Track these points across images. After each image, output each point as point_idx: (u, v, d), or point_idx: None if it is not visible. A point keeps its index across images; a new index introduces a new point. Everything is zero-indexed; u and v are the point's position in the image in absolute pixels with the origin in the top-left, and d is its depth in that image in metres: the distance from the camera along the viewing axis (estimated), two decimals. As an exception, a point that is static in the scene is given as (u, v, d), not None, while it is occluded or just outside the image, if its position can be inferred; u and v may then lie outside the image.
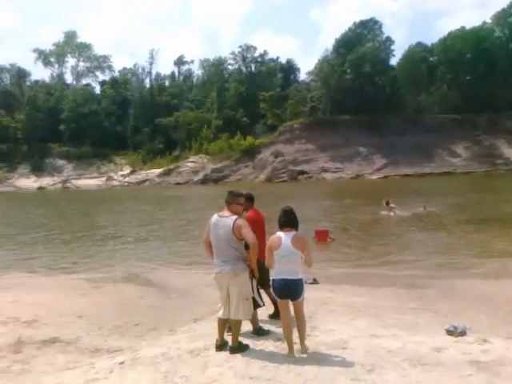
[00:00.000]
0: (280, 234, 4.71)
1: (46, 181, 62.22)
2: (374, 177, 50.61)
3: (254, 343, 5.06)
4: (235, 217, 4.80)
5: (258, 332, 5.36)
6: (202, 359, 4.71)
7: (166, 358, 4.79)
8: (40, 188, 59.76)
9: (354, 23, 63.98)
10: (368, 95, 55.33)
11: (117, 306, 7.97)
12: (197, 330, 5.99)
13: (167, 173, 59.60)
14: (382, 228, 17.69)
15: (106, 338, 6.20)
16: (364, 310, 6.83)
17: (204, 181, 55.74)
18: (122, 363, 4.83)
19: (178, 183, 55.93)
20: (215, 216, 4.96)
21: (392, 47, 63.49)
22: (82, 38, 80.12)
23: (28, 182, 61.85)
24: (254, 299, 5.03)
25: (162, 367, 4.54)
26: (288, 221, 4.76)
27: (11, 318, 7.00)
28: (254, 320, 5.36)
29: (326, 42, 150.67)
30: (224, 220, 4.82)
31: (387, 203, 19.67)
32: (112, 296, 8.63)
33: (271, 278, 4.81)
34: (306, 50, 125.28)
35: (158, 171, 60.33)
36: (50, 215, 27.82)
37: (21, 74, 75.97)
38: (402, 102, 55.94)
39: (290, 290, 4.65)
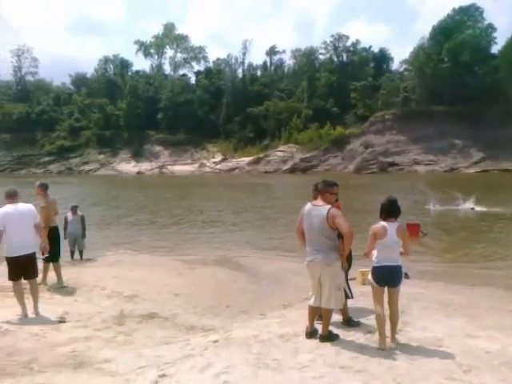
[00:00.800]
0: (384, 223, 4.69)
1: (145, 166, 65.90)
2: (471, 170, 47.79)
3: (344, 334, 5.06)
4: (329, 206, 4.79)
5: (349, 323, 5.35)
6: (292, 344, 4.80)
7: (258, 341, 4.94)
8: (139, 172, 63.46)
9: (454, 9, 60.23)
10: (466, 85, 52.03)
11: (210, 287, 8.33)
12: (286, 316, 6.10)
13: (257, 161, 60.62)
14: (475, 224, 16.78)
15: (201, 316, 6.52)
16: (460, 308, 6.55)
17: (292, 170, 56.01)
18: (215, 341, 5.05)
19: (266, 172, 56.75)
20: (308, 205, 4.97)
21: (494, 34, 58.88)
22: (179, 30, 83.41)
23: (128, 167, 65.92)
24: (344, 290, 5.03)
25: (254, 349, 4.69)
26: (393, 211, 4.74)
27: (114, 292, 7.59)
28: (345, 310, 5.36)
29: (421, 30, 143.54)
30: (318, 209, 4.82)
31: None
32: (205, 278, 9.03)
33: (373, 266, 4.80)
34: (399, 39, 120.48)
35: (247, 159, 61.53)
36: (152, 198, 29.56)
37: (123, 65, 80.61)
38: (503, 93, 51.90)
39: (392, 276, 4.71)
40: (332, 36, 70.56)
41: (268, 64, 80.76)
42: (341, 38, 70.21)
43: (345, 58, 70.77)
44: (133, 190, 35.59)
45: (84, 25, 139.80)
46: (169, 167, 65.11)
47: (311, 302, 4.99)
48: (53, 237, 7.47)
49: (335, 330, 5.04)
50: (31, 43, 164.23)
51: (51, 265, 7.74)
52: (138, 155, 67.85)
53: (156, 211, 22.37)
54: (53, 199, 7.98)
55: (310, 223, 4.87)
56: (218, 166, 63.26)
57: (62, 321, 5.92)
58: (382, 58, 72.13)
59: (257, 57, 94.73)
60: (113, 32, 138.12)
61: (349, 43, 70.36)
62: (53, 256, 7.45)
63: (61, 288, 7.52)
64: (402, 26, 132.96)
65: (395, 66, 71.80)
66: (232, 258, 11.37)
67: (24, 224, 5.99)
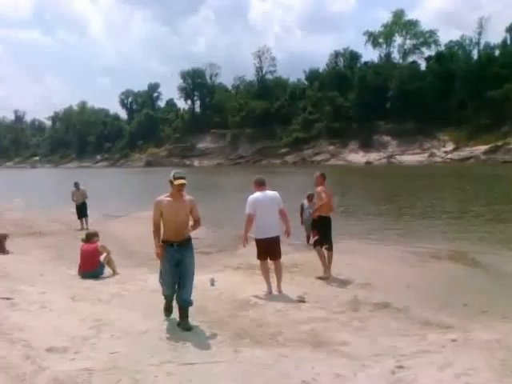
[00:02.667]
0: None
1: (373, 156, 65.83)
2: None
3: None
4: None
5: None
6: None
7: (502, 346, 4.54)
8: (367, 162, 63.73)
9: None
10: None
11: (444, 282, 7.96)
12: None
13: (494, 150, 54.80)
14: None
15: (436, 312, 6.29)
16: None
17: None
18: (454, 340, 4.83)
19: (505, 161, 50.46)
20: None
21: None
22: (410, 16, 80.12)
23: (357, 157, 66.81)
24: None
25: (498, 354, 4.33)
26: None
27: (348, 279, 7.89)
28: None
29: None
30: None
31: None
32: (439, 272, 8.64)
33: None
34: None
35: (483, 148, 55.96)
36: (390, 189, 29.49)
37: (352, 57, 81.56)
38: None
39: None
40: None
41: (508, 42, 71.34)
42: None
43: None
44: (366, 181, 35.99)
45: (317, 22, 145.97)
46: (397, 157, 63.62)
47: None
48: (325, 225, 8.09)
49: None
50: (269, 43, 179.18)
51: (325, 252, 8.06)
52: (366, 145, 68.11)
53: (390, 201, 22.26)
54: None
55: None
56: (450, 156, 59.16)
57: (301, 300, 6.45)
58: None
59: (494, 35, 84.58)
60: (344, 26, 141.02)
61: None
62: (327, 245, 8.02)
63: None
64: None
65: None
66: (468, 253, 10.59)
67: (271, 209, 6.71)
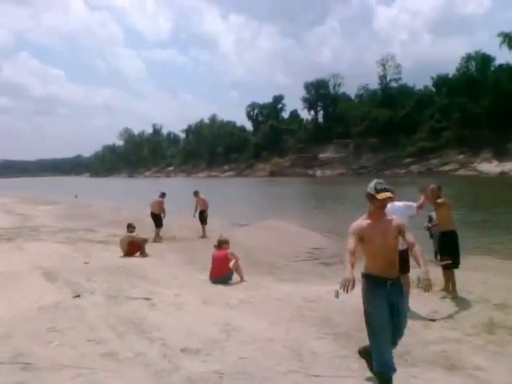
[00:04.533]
0: None
1: (509, 166, 60.16)
2: None
3: None
4: None
5: None
6: None
7: None
8: (502, 173, 58.46)
9: None
10: None
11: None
12: None
13: None
14: None
15: None
16: None
17: None
18: None
19: None
20: None
21: None
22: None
23: (490, 167, 61.68)
24: None
25: None
26: None
27: (482, 298, 7.29)
28: None
29: None
30: None
31: None
32: None
33: None
34: None
35: None
36: None
37: (485, 60, 75.67)
38: None
39: None
40: None
41: None
42: None
43: None
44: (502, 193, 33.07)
45: (447, 25, 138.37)
46: (538, 167, 57.44)
47: None
48: (451, 241, 7.58)
49: None
50: (394, 51, 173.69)
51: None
52: (500, 154, 62.50)
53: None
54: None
55: None
56: None
57: (432, 319, 6.14)
58: None
59: None
60: (476, 28, 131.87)
61: None
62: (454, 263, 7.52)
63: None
64: None
65: None
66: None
67: None
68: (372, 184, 4.00)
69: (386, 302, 3.86)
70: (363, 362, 4.56)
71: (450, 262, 7.43)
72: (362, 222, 4.00)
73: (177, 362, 4.52)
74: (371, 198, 3.97)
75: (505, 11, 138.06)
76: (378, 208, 3.98)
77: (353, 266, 3.79)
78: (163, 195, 15.24)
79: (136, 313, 6.10)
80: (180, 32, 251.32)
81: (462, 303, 7.09)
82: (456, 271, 7.76)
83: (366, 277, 3.97)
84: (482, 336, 5.61)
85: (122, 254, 11.14)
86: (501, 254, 12.17)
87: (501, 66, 74.94)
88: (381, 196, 3.91)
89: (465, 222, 17.51)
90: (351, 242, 3.91)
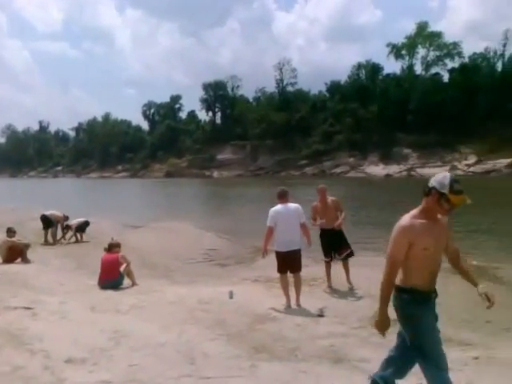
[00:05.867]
0: None
1: (393, 169, 65.15)
2: None
3: None
4: None
5: None
6: None
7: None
8: (387, 175, 63.14)
9: None
10: None
11: (465, 298, 7.65)
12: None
13: (517, 163, 53.69)
14: None
15: (457, 329, 6.16)
16: None
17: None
18: (476, 358, 4.74)
19: (528, 174, 49.66)
20: None
21: None
22: (435, 26, 79.66)
23: (377, 169, 66.21)
24: None
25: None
26: None
27: (367, 293, 7.65)
28: None
29: None
30: None
31: None
32: (460, 288, 8.22)
33: None
34: None
35: (506, 161, 54.96)
36: (412, 202, 28.81)
37: (375, 69, 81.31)
38: None
39: None
40: None
41: (532, 52, 70.18)
42: None
43: None
44: (387, 194, 35.65)
45: (342, 34, 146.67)
46: (417, 170, 62.83)
47: None
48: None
49: None
50: (292, 55, 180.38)
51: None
52: (386, 158, 67.56)
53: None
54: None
55: None
56: (472, 169, 58.13)
57: (320, 315, 6.39)
58: None
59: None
60: (369, 37, 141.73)
61: None
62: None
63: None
64: None
65: None
66: (488, 268, 10.37)
67: (292, 222, 6.69)
68: (446, 180, 3.06)
69: (434, 319, 3.31)
70: (254, 361, 4.61)
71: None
72: (414, 220, 3.13)
73: (60, 374, 4.22)
74: (439, 196, 3.05)
75: (395, 23, 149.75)
76: (444, 211, 3.12)
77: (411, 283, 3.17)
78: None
79: (15, 324, 5.61)
80: (72, 23, 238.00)
81: (350, 298, 7.49)
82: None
83: (411, 292, 3.19)
84: (367, 329, 5.92)
85: (0, 260, 10.24)
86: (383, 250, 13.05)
87: (388, 75, 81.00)
88: (457, 200, 3.04)
89: (353, 222, 18.62)
90: (399, 251, 3.12)
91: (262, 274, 8.97)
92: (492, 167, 56.11)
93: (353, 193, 38.21)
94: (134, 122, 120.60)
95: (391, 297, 3.25)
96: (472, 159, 60.09)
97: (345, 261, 8.04)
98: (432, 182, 3.09)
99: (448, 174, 3.12)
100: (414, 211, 3.17)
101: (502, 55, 70.71)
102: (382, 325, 3.27)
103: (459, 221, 19.21)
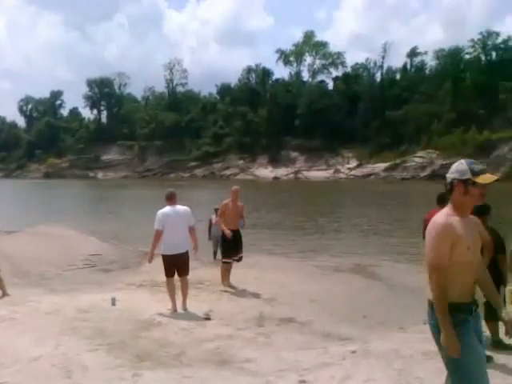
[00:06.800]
0: None
1: (281, 171, 67.46)
2: None
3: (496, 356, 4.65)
4: None
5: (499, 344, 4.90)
6: (436, 364, 4.53)
7: (399, 356, 4.75)
8: (275, 178, 65.15)
9: None
10: None
11: (346, 295, 8.24)
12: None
13: (393, 167, 58.74)
14: None
15: (337, 324, 6.48)
16: None
17: (431, 177, 52.97)
18: (354, 352, 4.97)
19: (403, 178, 54.61)
20: None
21: None
22: (323, 36, 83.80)
23: (265, 172, 68.01)
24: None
25: (395, 364, 4.52)
26: None
27: (254, 294, 7.88)
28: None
29: None
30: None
31: None
32: (341, 285, 8.94)
33: None
34: None
35: (383, 165, 59.79)
36: (296, 204, 30.02)
37: (265, 74, 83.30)
38: None
39: None
40: (480, 33, 65.52)
41: (408, 66, 77.43)
42: (490, 35, 64.84)
43: (494, 56, 65.23)
44: (275, 196, 36.59)
45: (234, 37, 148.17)
46: (304, 173, 65.80)
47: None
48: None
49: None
50: (183, 56, 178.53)
51: None
52: (274, 161, 69.74)
53: (294, 216, 22.80)
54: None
55: None
56: (353, 172, 62.38)
57: (207, 318, 6.32)
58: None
59: (397, 59, 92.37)
60: (260, 42, 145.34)
61: (499, 40, 64.68)
62: None
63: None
64: None
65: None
66: (367, 266, 11.13)
67: (180, 225, 6.54)
68: (463, 166, 2.67)
69: (476, 334, 2.69)
70: (137, 370, 4.41)
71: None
72: (451, 218, 2.63)
73: None
74: (464, 184, 2.63)
75: (285, 30, 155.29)
76: (475, 198, 2.67)
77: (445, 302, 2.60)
78: None
79: None
80: None
81: (237, 300, 7.53)
82: (234, 270, 8.29)
83: (450, 307, 2.60)
84: (253, 329, 6.01)
85: None
86: (273, 252, 13.41)
87: (277, 80, 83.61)
88: (484, 179, 2.62)
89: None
90: (444, 253, 2.58)
91: (147, 279, 8.71)
92: (371, 171, 60.53)
93: (243, 195, 38.86)
94: (9, 118, 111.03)
95: (427, 314, 2.83)
96: (353, 163, 64.30)
97: (238, 262, 8.28)
98: (450, 175, 2.70)
99: (463, 160, 2.73)
100: (446, 209, 2.71)
101: (381, 67, 76.69)
102: (453, 342, 2.58)
103: (341, 220, 20.60)
